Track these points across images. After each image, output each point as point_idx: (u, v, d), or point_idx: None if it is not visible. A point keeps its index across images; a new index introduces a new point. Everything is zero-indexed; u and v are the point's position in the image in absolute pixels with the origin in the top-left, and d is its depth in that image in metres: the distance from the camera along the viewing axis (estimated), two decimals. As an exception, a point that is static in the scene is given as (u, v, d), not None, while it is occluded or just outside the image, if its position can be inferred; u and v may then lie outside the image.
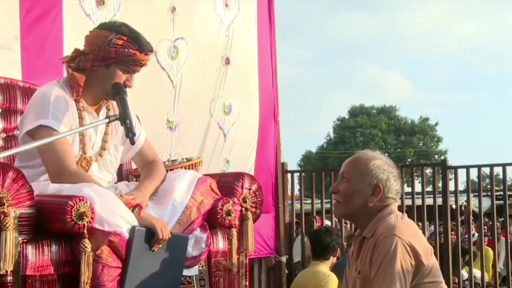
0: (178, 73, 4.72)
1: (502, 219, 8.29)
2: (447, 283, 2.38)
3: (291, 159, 36.15)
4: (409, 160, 34.47)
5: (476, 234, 7.53)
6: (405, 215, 2.39)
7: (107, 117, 2.67)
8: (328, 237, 4.66)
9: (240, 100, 5.30)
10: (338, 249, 4.80)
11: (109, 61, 2.71)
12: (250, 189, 3.15)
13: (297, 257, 6.43)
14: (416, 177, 6.72)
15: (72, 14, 3.88)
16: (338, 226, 6.89)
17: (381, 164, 2.38)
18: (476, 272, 6.33)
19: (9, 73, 3.38)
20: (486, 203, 6.95)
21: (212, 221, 2.93)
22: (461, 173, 5.95)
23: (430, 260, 2.28)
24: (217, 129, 5.10)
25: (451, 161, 6.05)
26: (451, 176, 5.94)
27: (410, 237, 2.25)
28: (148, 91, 4.41)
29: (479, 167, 5.96)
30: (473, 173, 5.99)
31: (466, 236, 6.70)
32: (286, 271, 5.99)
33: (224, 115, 5.15)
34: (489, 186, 6.95)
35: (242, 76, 5.35)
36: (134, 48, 2.71)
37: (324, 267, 4.65)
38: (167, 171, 2.98)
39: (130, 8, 4.26)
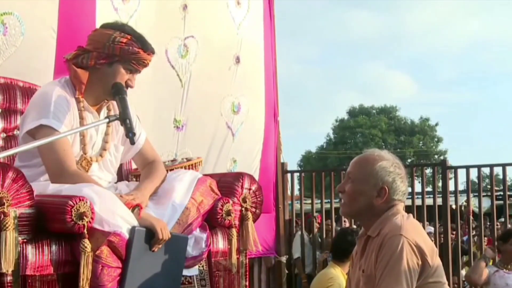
0: (187, 71, 4.68)
1: (502, 219, 8.29)
2: (447, 283, 2.38)
3: (291, 159, 36.16)
4: (409, 160, 34.44)
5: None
6: (411, 215, 2.38)
7: (107, 117, 2.66)
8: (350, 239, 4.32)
9: (248, 99, 5.27)
10: None
11: (112, 59, 2.72)
12: (250, 189, 3.15)
13: (296, 253, 6.43)
14: (416, 177, 6.73)
15: (103, 7, 3.95)
16: (337, 225, 6.89)
17: (387, 165, 2.35)
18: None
19: (44, 64, 3.52)
20: (486, 203, 6.95)
21: (212, 221, 2.93)
22: (461, 173, 5.97)
23: (435, 260, 2.28)
24: (226, 128, 5.06)
25: (451, 161, 6.07)
26: (451, 176, 5.95)
27: (416, 237, 2.25)
28: (156, 89, 4.38)
29: (479, 167, 5.97)
30: (473, 173, 6.01)
31: (466, 236, 6.70)
32: (286, 271, 5.99)
33: (233, 114, 5.11)
34: (489, 186, 6.96)
35: (250, 75, 5.32)
36: (137, 47, 2.73)
37: (335, 270, 4.43)
38: (167, 171, 2.98)
39: (147, 5, 4.28)
